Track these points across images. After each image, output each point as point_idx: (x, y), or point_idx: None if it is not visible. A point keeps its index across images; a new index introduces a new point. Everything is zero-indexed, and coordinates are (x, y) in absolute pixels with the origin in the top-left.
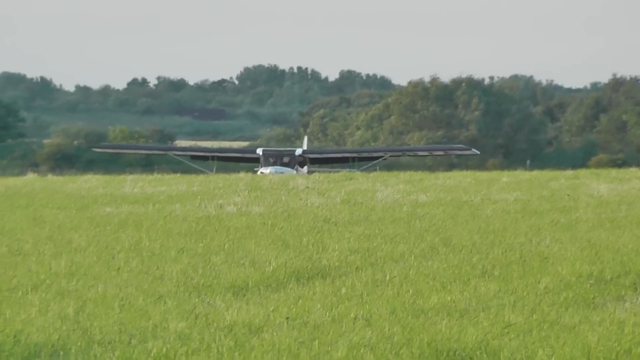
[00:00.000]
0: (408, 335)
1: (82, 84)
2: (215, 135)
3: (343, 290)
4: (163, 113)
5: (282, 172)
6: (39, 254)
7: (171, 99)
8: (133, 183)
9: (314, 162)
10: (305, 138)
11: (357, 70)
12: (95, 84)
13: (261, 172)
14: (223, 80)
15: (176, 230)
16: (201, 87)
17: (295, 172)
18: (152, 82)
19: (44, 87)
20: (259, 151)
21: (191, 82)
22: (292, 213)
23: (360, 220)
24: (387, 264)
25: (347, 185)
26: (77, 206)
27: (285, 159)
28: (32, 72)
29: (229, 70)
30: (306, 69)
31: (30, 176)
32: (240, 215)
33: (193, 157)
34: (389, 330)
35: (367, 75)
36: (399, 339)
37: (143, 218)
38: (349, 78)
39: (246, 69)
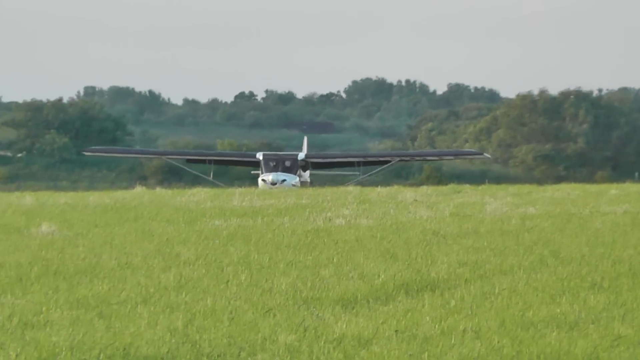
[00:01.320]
0: (517, 347)
1: (190, 98)
2: (323, 149)
3: (452, 303)
4: (271, 126)
5: (283, 181)
6: (148, 268)
7: (279, 112)
8: (241, 196)
9: (317, 166)
10: (305, 140)
11: (466, 83)
12: (203, 98)
13: (262, 180)
14: (331, 94)
15: (285, 243)
16: (309, 101)
17: (297, 178)
18: (260, 95)
19: (153, 100)
20: (259, 155)
21: (299, 96)
22: (400, 226)
23: (469, 233)
24: (496, 276)
25: (456, 198)
26: (185, 219)
27: (287, 164)
28: (141, 86)
29: (337, 83)
30: (414, 82)
31: (139, 189)
32: (349, 228)
33: (189, 161)
34: (498, 342)
35: (475, 88)
36: (508, 352)
37: (252, 231)
38: (457, 91)
39: (354, 83)
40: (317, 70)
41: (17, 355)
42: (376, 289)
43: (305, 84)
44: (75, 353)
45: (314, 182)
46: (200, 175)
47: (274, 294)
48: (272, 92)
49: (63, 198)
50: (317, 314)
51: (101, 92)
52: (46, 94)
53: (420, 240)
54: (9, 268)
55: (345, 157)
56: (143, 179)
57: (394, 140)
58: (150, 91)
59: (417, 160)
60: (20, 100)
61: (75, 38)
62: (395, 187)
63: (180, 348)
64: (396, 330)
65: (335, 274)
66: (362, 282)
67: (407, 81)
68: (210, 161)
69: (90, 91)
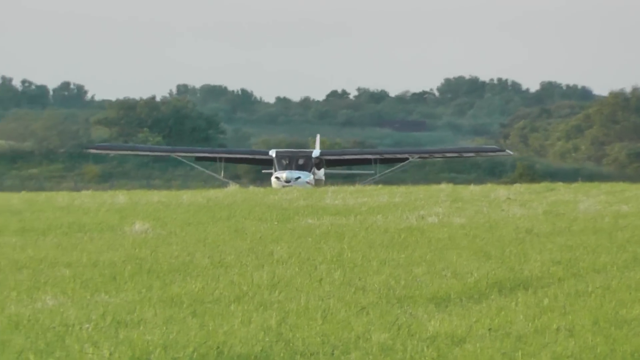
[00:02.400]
0: (611, 346)
1: (282, 96)
2: (415, 147)
3: (545, 301)
4: (363, 124)
5: (298, 178)
6: (241, 266)
7: (371, 110)
8: (334, 195)
9: (332, 164)
10: (318, 137)
11: (558, 81)
12: (296, 96)
13: (276, 178)
14: (424, 92)
15: (378, 241)
16: (402, 99)
17: (312, 175)
18: (352, 93)
19: (245, 99)
20: (272, 153)
21: (392, 94)
22: (493, 224)
23: (562, 231)
24: (589, 274)
25: (549, 196)
26: (278, 218)
27: (301, 162)
28: (233, 85)
29: (430, 81)
30: (506, 80)
31: (232, 188)
32: (442, 226)
33: (198, 159)
34: (591, 341)
35: (567, 86)
36: (602, 350)
37: (345, 229)
38: (549, 89)
39: (447, 80)
40: (409, 69)
41: (110, 354)
42: (469, 287)
43: (398, 82)
44: (168, 351)
45: (328, 180)
46: (211, 174)
47: (367, 292)
48: (364, 90)
49: (156, 196)
50: (411, 312)
51: (194, 90)
52: (139, 92)
53: (513, 239)
54: (102, 266)
55: (361, 154)
56: (236, 178)
57: (487, 138)
58: (242, 89)
59: (436, 157)
60: (113, 99)
61: (167, 36)
62: (489, 185)
63: (274, 346)
64: (489, 329)
65: (428, 272)
66: (455, 280)
67: (500, 79)
68: (220, 159)
69: (182, 89)
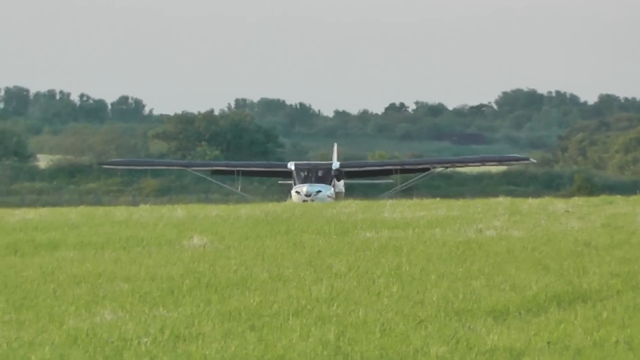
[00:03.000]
0: None
1: (340, 109)
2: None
3: (604, 315)
4: (421, 138)
5: (319, 192)
6: (300, 280)
7: (430, 123)
8: (392, 208)
9: (352, 175)
10: (335, 147)
11: (616, 94)
12: (354, 109)
13: (296, 192)
14: (482, 105)
15: (436, 254)
16: (460, 112)
17: (332, 188)
18: (411, 106)
19: (303, 112)
20: (291, 165)
21: (450, 107)
22: (552, 237)
23: (620, 243)
24: None
25: (607, 209)
26: (336, 231)
27: (320, 174)
28: (292, 98)
29: (487, 94)
30: (564, 92)
31: (290, 202)
32: (500, 239)
33: (214, 173)
34: None
35: (626, 99)
36: None
37: (403, 243)
38: (607, 102)
39: (504, 94)
40: (467, 82)
41: None
42: (528, 300)
43: (455, 95)
44: None
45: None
46: (230, 188)
47: (425, 305)
48: (422, 103)
49: (214, 210)
50: (469, 326)
51: (252, 104)
52: (197, 106)
53: (572, 252)
54: (160, 281)
55: (382, 165)
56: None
57: (544, 151)
58: (300, 103)
59: (458, 166)
60: (171, 113)
61: (225, 50)
62: (547, 198)
63: None
64: (548, 342)
65: (487, 285)
66: (514, 293)
67: (558, 92)
68: (238, 172)
69: (241, 103)
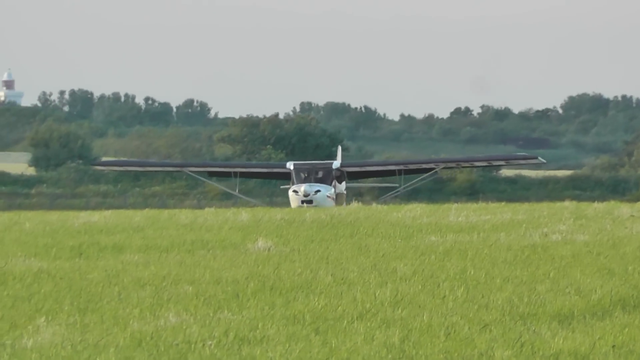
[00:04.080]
0: None
1: (406, 113)
2: (539, 165)
3: None
4: (487, 142)
5: (317, 192)
6: (364, 283)
7: (495, 128)
8: (458, 212)
9: (354, 176)
10: (339, 149)
11: None
12: (419, 113)
13: (294, 191)
14: (547, 109)
15: (501, 258)
16: (525, 116)
17: (332, 189)
18: (476, 110)
19: (369, 116)
20: (290, 165)
21: (515, 111)
22: (617, 241)
23: None
24: None
25: None
26: (401, 235)
27: (320, 174)
28: (356, 102)
29: (553, 99)
30: (631, 97)
31: (355, 205)
32: (565, 243)
33: (211, 174)
34: None
35: None
36: None
37: (468, 247)
38: None
39: (570, 98)
40: (533, 86)
41: None
42: (593, 304)
43: (521, 99)
44: None
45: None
46: (227, 190)
47: (490, 309)
48: (488, 107)
49: (279, 214)
50: (534, 330)
51: (317, 107)
52: (262, 109)
53: (637, 256)
54: (225, 284)
55: (384, 165)
56: (359, 195)
57: (610, 156)
58: (365, 107)
59: (464, 167)
60: (236, 116)
61: (289, 54)
62: (612, 202)
63: None
64: (613, 346)
65: (552, 289)
66: (579, 297)
67: (624, 96)
68: (235, 174)
69: (306, 107)
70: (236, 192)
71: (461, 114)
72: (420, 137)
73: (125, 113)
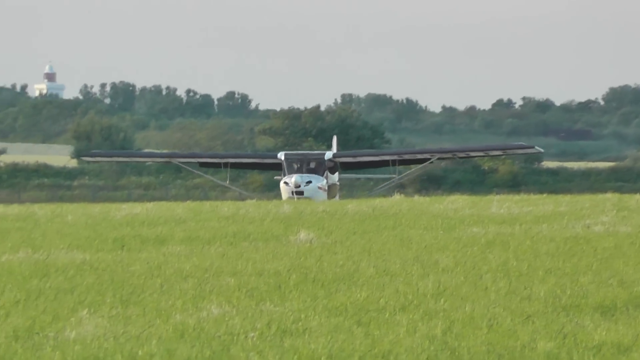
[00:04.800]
0: None
1: (447, 105)
2: (581, 156)
3: None
4: (529, 134)
5: (309, 182)
6: (407, 275)
7: (537, 119)
8: (500, 203)
9: (348, 167)
10: (335, 139)
11: None
12: (461, 105)
13: (285, 183)
14: (589, 101)
15: (543, 250)
16: (567, 108)
17: (324, 180)
18: (518, 102)
19: (410, 108)
20: (281, 155)
21: (557, 103)
22: None
23: None
24: None
25: None
26: (443, 227)
27: (312, 165)
28: (398, 94)
29: (594, 90)
30: None
31: (397, 197)
32: (608, 235)
33: (202, 165)
34: None
35: None
36: None
37: (510, 238)
38: None
39: (612, 89)
40: (575, 77)
41: None
42: (635, 295)
43: (563, 91)
44: None
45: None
46: (217, 182)
47: (532, 301)
48: (530, 99)
49: (321, 206)
50: (577, 321)
51: (358, 99)
52: (303, 101)
53: None
54: (267, 276)
55: (378, 155)
56: (401, 187)
57: None
58: (407, 99)
59: (460, 157)
60: (277, 108)
61: (331, 46)
62: None
63: (439, 355)
64: None
65: (594, 281)
66: (622, 289)
67: None
68: (225, 164)
69: (347, 99)
70: (227, 184)
71: (503, 105)
72: (462, 129)
73: (166, 105)
